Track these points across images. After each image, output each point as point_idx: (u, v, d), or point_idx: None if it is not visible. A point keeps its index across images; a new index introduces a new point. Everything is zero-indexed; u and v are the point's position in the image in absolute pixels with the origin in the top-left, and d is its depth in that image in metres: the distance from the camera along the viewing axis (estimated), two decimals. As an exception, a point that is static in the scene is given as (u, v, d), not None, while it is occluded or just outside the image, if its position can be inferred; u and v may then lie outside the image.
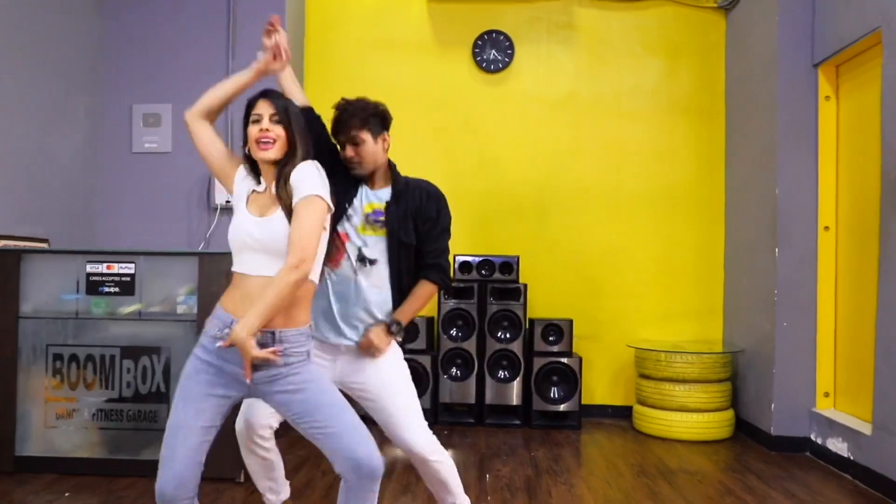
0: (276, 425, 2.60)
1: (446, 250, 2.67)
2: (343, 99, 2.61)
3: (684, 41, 5.37)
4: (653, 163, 5.37)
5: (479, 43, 5.41)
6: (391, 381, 2.54)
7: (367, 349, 2.50)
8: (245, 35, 4.92)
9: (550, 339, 4.96)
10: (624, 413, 5.23)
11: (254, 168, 2.18)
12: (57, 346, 3.70)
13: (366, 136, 2.54)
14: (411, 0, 5.45)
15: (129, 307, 3.72)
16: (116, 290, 3.71)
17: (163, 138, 4.96)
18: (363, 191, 2.61)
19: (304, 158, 2.13)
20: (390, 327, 2.51)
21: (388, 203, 2.59)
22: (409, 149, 5.13)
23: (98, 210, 4.90)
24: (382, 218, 2.56)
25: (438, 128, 5.41)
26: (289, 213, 2.06)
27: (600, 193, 5.37)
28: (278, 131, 2.11)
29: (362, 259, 2.54)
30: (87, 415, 3.69)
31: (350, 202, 2.57)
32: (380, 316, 2.54)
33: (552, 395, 4.89)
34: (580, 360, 4.90)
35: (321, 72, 5.42)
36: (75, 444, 3.69)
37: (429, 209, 2.62)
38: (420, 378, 4.76)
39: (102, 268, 3.71)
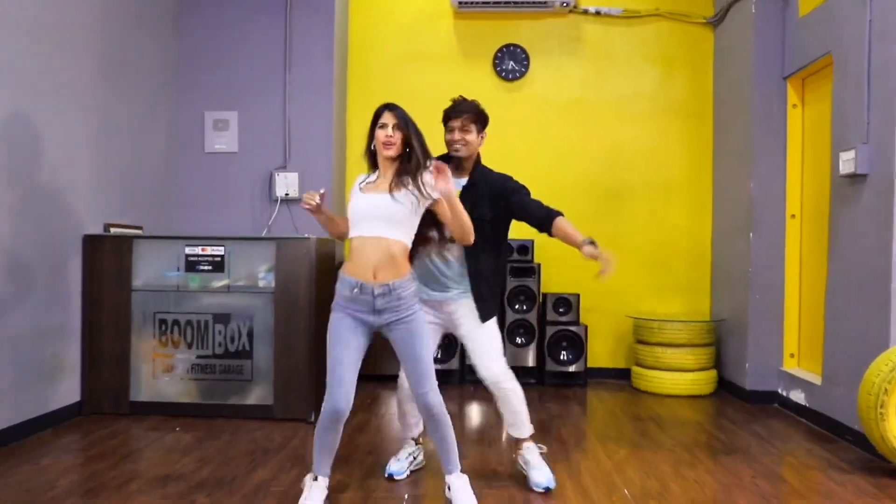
0: None
1: (541, 203, 3.32)
2: (461, 96, 3.38)
3: (677, 52, 6.17)
4: (650, 160, 6.18)
5: (499, 55, 6.23)
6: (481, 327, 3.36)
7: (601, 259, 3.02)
8: (298, 52, 5.75)
9: (561, 310, 5.81)
10: (624, 375, 6.08)
11: (373, 162, 3.02)
12: (162, 314, 4.60)
13: (472, 127, 3.32)
14: (440, 17, 6.27)
15: (220, 282, 4.60)
16: (209, 268, 4.59)
17: (230, 140, 5.82)
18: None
19: (424, 154, 2.94)
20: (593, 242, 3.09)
21: (464, 188, 3.30)
22: (436, 148, 5.98)
23: (177, 202, 5.77)
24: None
25: (464, 129, 6.24)
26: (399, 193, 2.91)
27: (604, 186, 6.19)
28: (398, 136, 2.94)
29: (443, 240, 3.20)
30: (186, 368, 4.59)
31: None
32: (460, 281, 3.30)
33: (562, 357, 5.75)
34: (586, 327, 5.76)
35: (363, 80, 6.26)
36: (177, 392, 4.59)
37: (507, 184, 3.37)
38: (451, 343, 5.63)
39: (198, 250, 4.60)
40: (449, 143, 3.38)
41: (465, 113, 3.33)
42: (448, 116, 3.38)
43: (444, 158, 3.35)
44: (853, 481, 3.48)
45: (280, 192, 5.71)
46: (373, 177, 3.03)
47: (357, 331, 2.92)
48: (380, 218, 2.91)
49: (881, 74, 3.90)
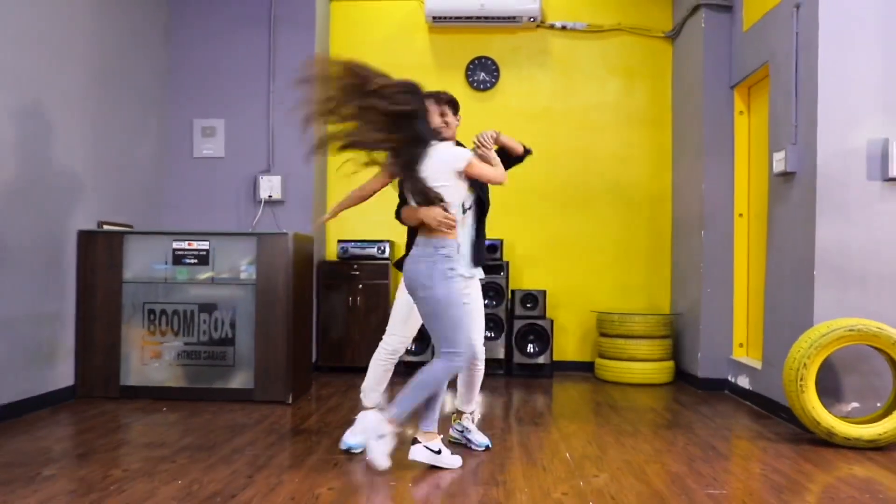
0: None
1: None
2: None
3: (639, 65, 6.57)
4: (614, 165, 6.57)
5: (471, 66, 6.63)
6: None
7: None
8: (282, 62, 6.13)
9: (528, 305, 6.17)
10: (590, 368, 6.42)
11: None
12: (150, 304, 4.95)
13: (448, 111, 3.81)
14: (416, 31, 6.67)
15: (205, 274, 4.95)
16: (195, 261, 4.95)
17: (217, 146, 6.20)
18: None
19: None
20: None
21: None
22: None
23: (166, 203, 6.13)
24: None
25: (438, 136, 6.63)
26: None
27: (571, 189, 6.56)
28: None
29: None
30: (174, 355, 4.93)
31: None
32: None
33: (529, 350, 6.10)
34: (552, 322, 6.12)
35: (343, 91, 6.64)
36: (164, 377, 4.93)
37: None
38: (423, 335, 5.97)
39: (185, 245, 4.95)
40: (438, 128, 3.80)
41: (444, 102, 3.82)
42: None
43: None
44: (775, 448, 3.83)
45: (264, 193, 6.07)
46: None
47: None
48: None
49: (806, 81, 4.30)
